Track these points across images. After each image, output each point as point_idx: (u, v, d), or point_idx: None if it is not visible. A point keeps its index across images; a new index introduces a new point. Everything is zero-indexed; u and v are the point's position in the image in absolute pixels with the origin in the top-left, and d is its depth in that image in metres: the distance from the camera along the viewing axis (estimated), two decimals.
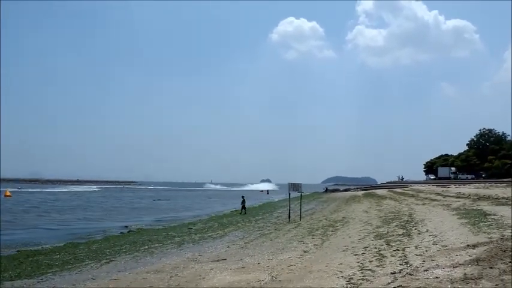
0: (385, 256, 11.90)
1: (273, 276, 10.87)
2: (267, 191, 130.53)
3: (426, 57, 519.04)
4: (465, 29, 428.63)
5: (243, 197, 43.90)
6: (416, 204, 30.95)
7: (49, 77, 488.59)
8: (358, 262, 11.54)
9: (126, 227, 31.44)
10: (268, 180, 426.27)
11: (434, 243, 12.67)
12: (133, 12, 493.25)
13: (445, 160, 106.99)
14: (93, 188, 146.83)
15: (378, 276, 9.41)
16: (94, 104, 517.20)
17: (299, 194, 31.46)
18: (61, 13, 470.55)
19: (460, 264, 9.18)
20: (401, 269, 9.72)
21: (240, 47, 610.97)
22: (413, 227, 17.71)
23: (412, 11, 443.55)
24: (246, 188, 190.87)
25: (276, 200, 70.15)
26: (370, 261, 11.39)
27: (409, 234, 15.56)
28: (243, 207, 42.10)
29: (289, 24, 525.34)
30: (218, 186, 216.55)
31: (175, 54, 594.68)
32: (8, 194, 72.76)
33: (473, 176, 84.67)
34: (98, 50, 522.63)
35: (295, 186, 30.38)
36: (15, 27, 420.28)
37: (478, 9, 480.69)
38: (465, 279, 7.95)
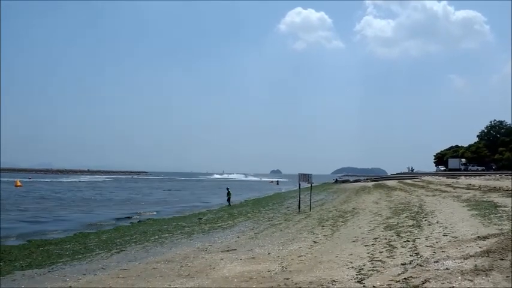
0: (395, 247, 11.89)
1: (283, 267, 10.90)
2: (277, 181, 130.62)
3: (435, 49, 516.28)
4: (475, 20, 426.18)
5: (227, 188, 43.74)
6: (427, 195, 30.89)
7: (59, 70, 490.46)
8: (368, 253, 11.55)
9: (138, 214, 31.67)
10: (278, 171, 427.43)
11: (445, 235, 12.65)
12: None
13: (455, 151, 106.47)
14: (104, 178, 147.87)
15: (388, 267, 9.41)
16: (104, 95, 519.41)
17: (309, 184, 31.42)
18: (67, 7, 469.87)
19: (470, 256, 9.17)
20: (412, 260, 9.72)
21: (249, 38, 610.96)
22: (423, 218, 17.68)
23: (421, 1, 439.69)
24: (255, 178, 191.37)
25: (286, 190, 70.17)
26: (380, 252, 11.39)
27: (420, 226, 15.54)
28: (229, 199, 42.03)
29: (297, 15, 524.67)
30: (226, 176, 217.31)
31: (184, 46, 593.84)
32: (19, 184, 73.41)
33: (484, 168, 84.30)
34: (107, 42, 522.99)
35: (305, 177, 30.34)
36: (24, 19, 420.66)
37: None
38: (476, 270, 7.94)
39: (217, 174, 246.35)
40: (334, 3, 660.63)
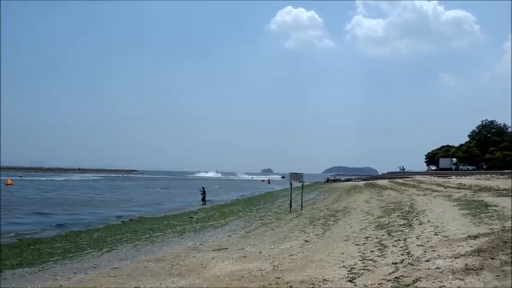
0: (387, 246, 11.92)
1: (274, 266, 10.90)
2: (268, 180, 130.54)
3: (426, 48, 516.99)
4: (465, 20, 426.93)
5: (203, 188, 43.63)
6: (418, 194, 31.00)
7: (52, 65, 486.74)
8: (360, 252, 11.57)
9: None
10: (269, 170, 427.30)
11: (436, 234, 12.70)
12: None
13: (446, 151, 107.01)
14: (91, 176, 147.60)
15: (380, 266, 9.43)
16: (99, 94, 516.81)
17: (300, 183, 31.45)
18: (67, 7, 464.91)
19: (461, 255, 9.21)
20: (403, 259, 9.74)
21: (241, 38, 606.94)
22: (414, 217, 17.74)
23: (411, 1, 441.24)
24: (247, 177, 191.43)
25: (278, 189, 70.18)
26: (372, 251, 11.41)
27: (411, 225, 15.59)
28: (203, 198, 41.94)
29: (287, 14, 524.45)
30: (218, 175, 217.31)
31: (175, 45, 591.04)
32: (10, 182, 72.90)
33: (474, 167, 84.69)
34: (102, 42, 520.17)
35: (296, 176, 30.37)
36: (17, 14, 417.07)
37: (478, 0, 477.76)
38: (466, 269, 7.98)
39: (210, 172, 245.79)
40: (324, 3, 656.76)
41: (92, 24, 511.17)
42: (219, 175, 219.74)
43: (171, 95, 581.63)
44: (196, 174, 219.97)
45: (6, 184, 70.21)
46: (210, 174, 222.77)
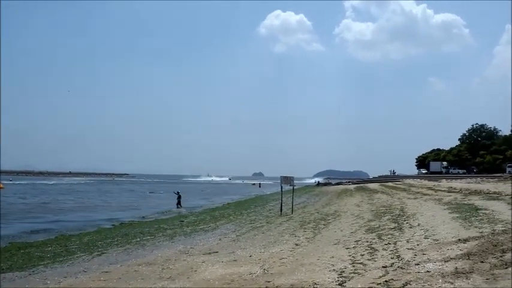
0: (377, 250, 11.93)
1: (264, 269, 10.88)
2: (259, 184, 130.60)
3: (416, 52, 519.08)
4: (454, 24, 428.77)
5: (178, 192, 43.50)
6: (408, 198, 31.04)
7: (43, 67, 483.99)
8: (350, 255, 11.56)
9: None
10: (260, 174, 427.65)
11: (426, 237, 12.71)
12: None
13: (437, 155, 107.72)
14: (84, 180, 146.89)
15: (370, 270, 9.43)
16: (93, 96, 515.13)
17: (291, 187, 31.45)
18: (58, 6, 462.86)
19: (451, 259, 9.23)
20: (393, 263, 9.76)
21: (230, 40, 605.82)
22: (404, 221, 17.76)
23: (400, 5, 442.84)
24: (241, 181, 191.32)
25: (268, 193, 70.14)
26: (362, 255, 11.41)
27: (401, 228, 15.61)
28: (179, 202, 41.86)
29: (276, 18, 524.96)
30: (210, 179, 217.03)
31: (166, 48, 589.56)
32: (1, 186, 72.34)
33: (465, 171, 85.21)
34: (98, 42, 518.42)
35: (287, 180, 30.37)
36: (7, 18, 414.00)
37: (468, 3, 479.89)
38: (456, 273, 7.99)
39: (202, 176, 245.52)
40: (313, 6, 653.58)
41: (81, 25, 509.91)
42: (211, 179, 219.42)
43: (162, 97, 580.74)
44: (189, 178, 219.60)
45: None
46: (202, 178, 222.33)
